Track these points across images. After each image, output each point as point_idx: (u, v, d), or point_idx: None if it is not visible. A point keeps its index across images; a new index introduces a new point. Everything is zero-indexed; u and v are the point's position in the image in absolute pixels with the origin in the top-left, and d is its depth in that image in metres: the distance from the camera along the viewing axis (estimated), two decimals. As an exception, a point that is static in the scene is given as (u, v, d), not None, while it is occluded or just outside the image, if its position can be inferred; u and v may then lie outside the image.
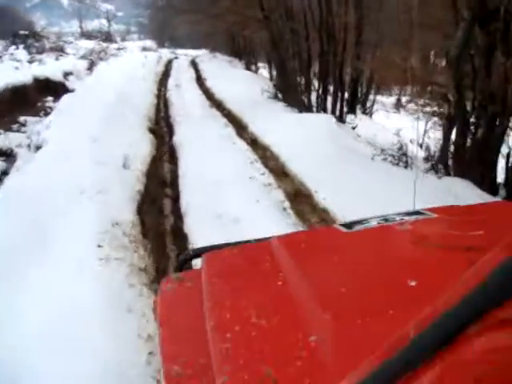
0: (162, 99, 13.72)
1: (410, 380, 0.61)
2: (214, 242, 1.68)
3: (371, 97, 17.07)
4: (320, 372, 0.90)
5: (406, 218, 1.55)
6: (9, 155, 7.69)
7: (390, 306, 0.98)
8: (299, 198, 5.33)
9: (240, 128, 9.21)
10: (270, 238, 1.55)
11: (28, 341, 2.49)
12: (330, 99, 11.07)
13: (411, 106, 22.54)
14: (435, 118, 15.59)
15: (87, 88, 11.87)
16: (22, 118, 10.71)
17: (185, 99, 12.96)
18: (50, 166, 5.41)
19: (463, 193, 5.15)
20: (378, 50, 13.18)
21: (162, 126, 10.08)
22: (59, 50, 21.50)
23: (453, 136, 6.23)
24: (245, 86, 13.96)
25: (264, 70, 21.78)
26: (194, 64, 25.25)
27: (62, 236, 3.63)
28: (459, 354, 0.57)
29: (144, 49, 32.39)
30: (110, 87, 11.41)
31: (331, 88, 10.86)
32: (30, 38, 22.21)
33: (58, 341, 2.50)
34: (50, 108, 11.36)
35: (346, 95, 11.76)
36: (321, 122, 8.00)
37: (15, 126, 10.25)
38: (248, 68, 22.62)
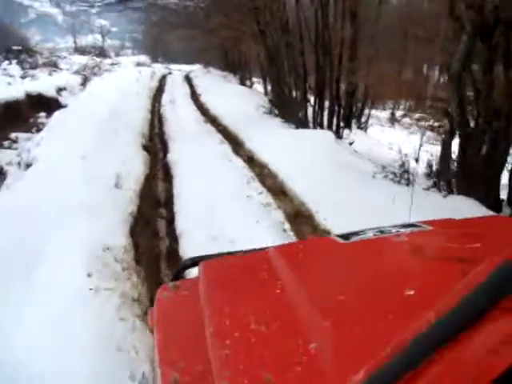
0: (156, 115, 13.55)
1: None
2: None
3: (366, 111, 17.01)
4: (319, 378, 0.91)
5: (402, 230, 1.60)
6: (-1, 173, 7.47)
7: (387, 314, 1.00)
8: (299, 219, 5.12)
9: (236, 144, 9.03)
10: (266, 247, 1.59)
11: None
12: (325, 114, 10.96)
13: (406, 120, 22.61)
14: (429, 133, 15.57)
15: (80, 104, 11.67)
16: (13, 135, 10.52)
17: (179, 115, 12.80)
18: (39, 185, 5.19)
19: (469, 211, 4.96)
20: (372, 64, 13.15)
21: (156, 143, 9.89)
22: (52, 66, 21.35)
23: (453, 150, 6.12)
24: (240, 101, 13.84)
25: (258, 85, 21.73)
26: (188, 79, 25.21)
27: (48, 263, 3.38)
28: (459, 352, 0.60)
29: (138, 64, 32.28)
30: (104, 103, 11.23)
31: (327, 103, 10.74)
32: (23, 54, 22.05)
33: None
34: (43, 124, 11.17)
35: (342, 110, 11.64)
36: (319, 139, 7.84)
37: (6, 143, 10.05)
38: (242, 83, 22.56)
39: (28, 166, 6.54)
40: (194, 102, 16.54)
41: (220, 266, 1.50)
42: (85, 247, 3.69)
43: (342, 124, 11.14)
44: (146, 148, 8.57)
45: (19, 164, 7.33)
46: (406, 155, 6.31)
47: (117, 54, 44.24)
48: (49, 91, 14.58)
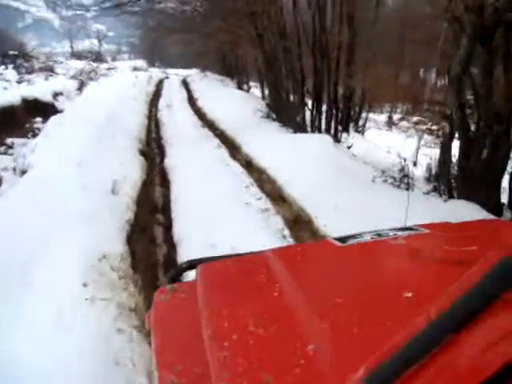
0: (153, 120, 13.48)
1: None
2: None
3: (363, 115, 17.00)
4: (318, 380, 0.91)
5: (399, 233, 1.60)
6: (-6, 179, 7.39)
7: (385, 316, 1.00)
8: (299, 225, 5.04)
9: (233, 149, 8.97)
10: (263, 251, 1.59)
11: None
12: (323, 118, 10.92)
13: (403, 123, 22.63)
14: (426, 136, 15.54)
15: (76, 109, 11.59)
16: (9, 140, 10.45)
17: (176, 120, 12.74)
18: (34, 191, 5.09)
19: (469, 215, 4.90)
20: (369, 67, 13.14)
21: (153, 148, 9.81)
22: (49, 70, 21.26)
23: (453, 154, 6.07)
24: (237, 105, 13.80)
25: (256, 89, 21.70)
26: (185, 83, 25.18)
27: (42, 273, 3.30)
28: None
29: (135, 68, 32.23)
30: (100, 108, 11.16)
31: (324, 106, 10.69)
32: (19, 58, 21.99)
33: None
34: (39, 129, 11.08)
35: (340, 114, 11.60)
36: (317, 143, 7.77)
37: (2, 149, 9.99)
38: (240, 87, 22.52)
39: (23, 172, 6.46)
40: (191, 106, 16.49)
41: (218, 269, 1.49)
42: (81, 256, 3.62)
43: (339, 128, 11.10)
44: (142, 153, 8.51)
45: (14, 170, 7.26)
46: (405, 159, 6.25)
47: (113, 59, 44.18)
48: (45, 96, 14.49)
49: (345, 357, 0.91)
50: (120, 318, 2.94)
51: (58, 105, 14.53)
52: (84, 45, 48.57)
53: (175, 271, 1.73)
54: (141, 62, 41.17)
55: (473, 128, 5.61)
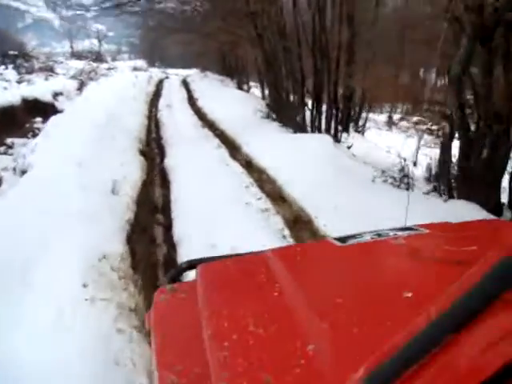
0: (153, 120, 13.47)
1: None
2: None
3: (363, 115, 16.99)
4: (318, 380, 0.91)
5: (399, 233, 1.61)
6: (-6, 179, 7.39)
7: (386, 316, 1.00)
8: (299, 225, 5.04)
9: (233, 149, 8.97)
10: (263, 251, 1.59)
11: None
12: (323, 117, 10.90)
13: (403, 123, 22.63)
14: (426, 136, 15.53)
15: (76, 109, 11.59)
16: (9, 140, 10.44)
17: (176, 120, 12.73)
18: (34, 192, 5.09)
19: (469, 215, 4.89)
20: (369, 67, 13.14)
21: (153, 148, 9.81)
22: (49, 70, 21.24)
23: (453, 154, 6.06)
24: (237, 105, 13.79)
25: (256, 89, 21.68)
26: (185, 84, 25.16)
27: (43, 273, 3.30)
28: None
29: (135, 68, 32.21)
30: (100, 108, 11.16)
31: (324, 106, 10.68)
32: (19, 58, 21.98)
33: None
34: (39, 129, 11.07)
35: (340, 114, 11.59)
36: (317, 143, 7.76)
37: (2, 149, 9.98)
38: (240, 87, 22.51)
39: (23, 172, 6.46)
40: (191, 106, 16.48)
41: (218, 269, 1.49)
42: (81, 256, 3.62)
43: (339, 128, 11.10)
44: (142, 153, 8.51)
45: (14, 170, 7.26)
46: (405, 159, 6.24)
47: (113, 59, 44.17)
48: (45, 96, 14.47)
49: (345, 357, 0.91)
50: (120, 318, 2.94)
51: (58, 105, 14.51)
52: (84, 45, 48.54)
53: (175, 271, 1.73)
54: (141, 62, 41.16)
55: (473, 128, 5.60)
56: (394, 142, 16.77)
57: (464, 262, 1.05)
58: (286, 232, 4.84)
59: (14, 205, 4.78)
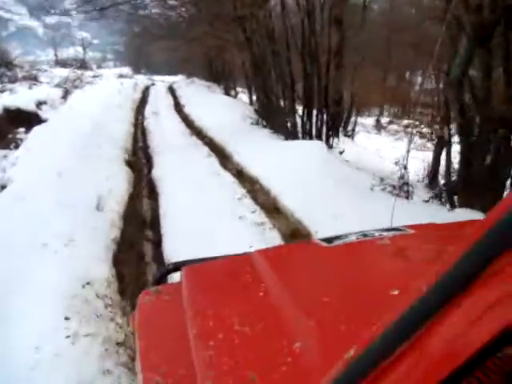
0: (140, 128, 13.14)
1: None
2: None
3: (352, 119, 16.87)
4: (304, 377, 0.91)
5: (385, 233, 1.59)
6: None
7: (373, 313, 0.90)
8: (297, 240, 4.76)
9: (224, 158, 8.68)
10: (248, 252, 1.56)
11: None
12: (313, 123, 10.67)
13: (392, 126, 22.60)
14: (417, 138, 15.44)
15: (60, 118, 11.22)
16: (-11, 152, 10.03)
17: (163, 127, 12.43)
18: (12, 210, 4.75)
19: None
20: (357, 71, 13.02)
21: (140, 158, 9.47)
22: (33, 79, 20.82)
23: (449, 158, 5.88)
24: (225, 111, 13.51)
25: (243, 95, 21.47)
26: (171, 90, 24.87)
27: (18, 306, 2.97)
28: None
29: (120, 76, 31.83)
30: (85, 116, 10.81)
31: (314, 111, 10.45)
32: (1, 68, 21.54)
33: None
34: (22, 140, 10.65)
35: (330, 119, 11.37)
36: (310, 149, 7.48)
37: (-18, 161, 9.57)
38: (227, 93, 22.27)
39: (3, 187, 6.11)
40: (177, 113, 16.18)
41: (203, 271, 1.47)
42: (63, 283, 3.29)
43: (330, 133, 10.87)
44: (129, 163, 8.18)
45: (-6, 184, 6.90)
46: (405, 167, 6.00)
47: (99, 67, 43.83)
48: (28, 105, 14.04)
49: (331, 354, 0.83)
50: (106, 355, 2.62)
51: (41, 114, 14.09)
52: (69, 53, 48.15)
53: (160, 273, 1.69)
54: (126, 69, 40.86)
55: (475, 132, 5.39)
56: (384, 145, 16.69)
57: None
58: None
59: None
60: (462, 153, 5.51)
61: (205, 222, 5.03)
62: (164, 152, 9.01)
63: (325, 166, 6.67)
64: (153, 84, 30.28)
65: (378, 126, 22.53)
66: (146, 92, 23.91)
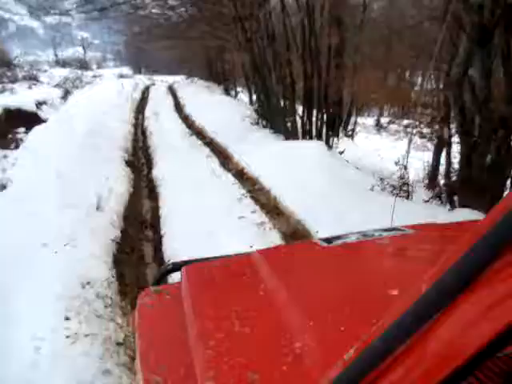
0: (140, 128, 13.15)
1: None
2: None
3: (352, 119, 16.85)
4: (305, 377, 0.90)
5: (385, 233, 1.60)
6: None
7: (372, 313, 0.93)
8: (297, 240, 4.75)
9: (224, 158, 8.68)
10: (248, 252, 1.58)
11: None
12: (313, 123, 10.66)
13: (392, 126, 22.56)
14: (415, 138, 15.42)
15: (60, 118, 11.23)
16: (-11, 152, 10.03)
17: (163, 128, 12.42)
18: (12, 210, 4.75)
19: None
20: (357, 71, 13.01)
21: (140, 158, 9.47)
22: (33, 79, 20.87)
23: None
24: (225, 111, 13.51)
25: (243, 95, 21.45)
26: (171, 90, 24.86)
27: (18, 306, 2.97)
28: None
29: (120, 76, 31.93)
30: (85, 116, 10.82)
31: (314, 111, 10.45)
32: (1, 68, 21.57)
33: None
34: (22, 140, 10.68)
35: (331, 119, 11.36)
36: (311, 150, 7.47)
37: (-18, 162, 9.57)
38: (227, 93, 22.25)
39: (3, 187, 6.12)
40: (178, 113, 16.18)
41: (202, 271, 1.47)
42: (63, 284, 3.29)
43: (330, 133, 10.86)
44: (129, 164, 8.18)
45: (-6, 185, 6.90)
46: (405, 167, 6.00)
47: (99, 67, 43.93)
48: (28, 105, 14.07)
49: (331, 353, 0.84)
50: (106, 356, 2.62)
51: (41, 114, 14.12)
52: (69, 53, 48.24)
53: (159, 273, 1.69)
54: (126, 69, 40.93)
55: (475, 132, 5.38)
56: (384, 145, 16.67)
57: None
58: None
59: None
60: (462, 153, 5.50)
61: (205, 223, 5.02)
62: (164, 152, 9.00)
63: (325, 167, 6.66)
64: (153, 84, 30.29)
65: (378, 126, 22.50)
66: (146, 92, 23.92)
